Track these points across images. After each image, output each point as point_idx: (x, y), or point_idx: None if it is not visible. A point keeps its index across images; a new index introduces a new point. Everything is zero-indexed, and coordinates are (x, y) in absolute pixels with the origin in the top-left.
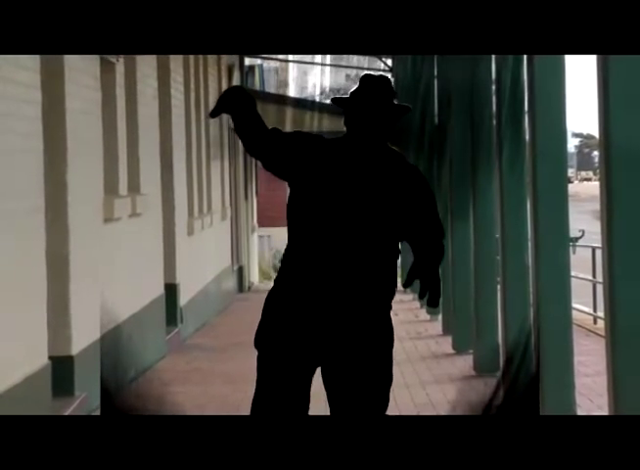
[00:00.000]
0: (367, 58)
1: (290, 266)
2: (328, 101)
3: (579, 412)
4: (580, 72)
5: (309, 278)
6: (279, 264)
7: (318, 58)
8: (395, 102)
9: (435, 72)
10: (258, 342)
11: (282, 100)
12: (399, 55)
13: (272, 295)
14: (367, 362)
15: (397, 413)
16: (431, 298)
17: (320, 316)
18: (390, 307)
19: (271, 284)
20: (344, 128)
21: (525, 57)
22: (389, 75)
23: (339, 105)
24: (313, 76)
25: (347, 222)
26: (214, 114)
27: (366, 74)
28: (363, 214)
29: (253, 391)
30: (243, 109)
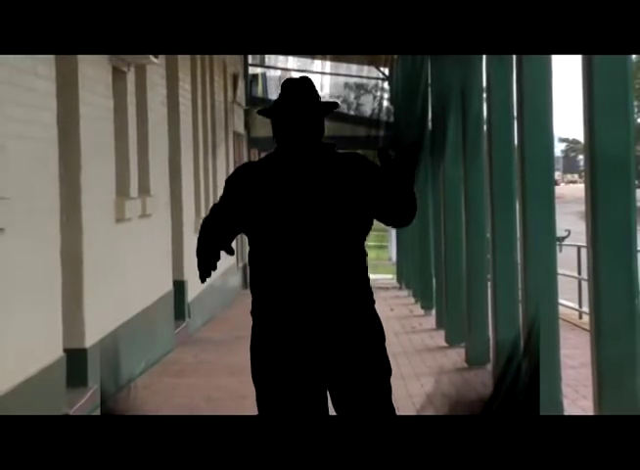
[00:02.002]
0: (365, 67)
1: (264, 291)
2: None
3: (565, 402)
4: (566, 80)
5: (289, 296)
6: None
7: (318, 67)
8: (320, 100)
9: (429, 80)
10: (257, 380)
11: None
12: (398, 55)
13: (255, 328)
14: (363, 360)
15: (393, 403)
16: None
17: (306, 330)
18: (374, 301)
19: None
20: (323, 133)
21: (514, 67)
22: (386, 84)
23: (265, 116)
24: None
25: (307, 230)
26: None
27: (286, 79)
28: (319, 218)
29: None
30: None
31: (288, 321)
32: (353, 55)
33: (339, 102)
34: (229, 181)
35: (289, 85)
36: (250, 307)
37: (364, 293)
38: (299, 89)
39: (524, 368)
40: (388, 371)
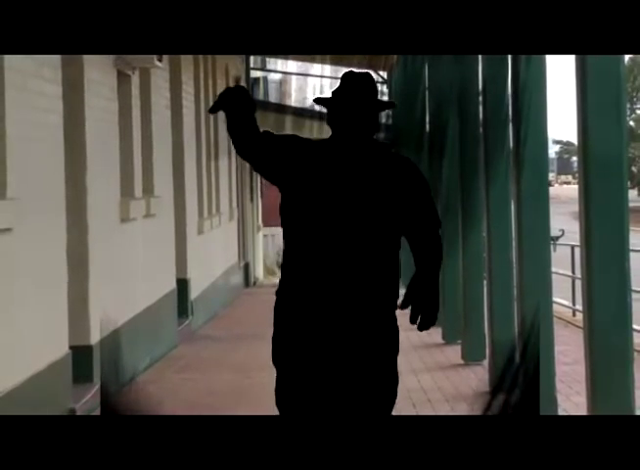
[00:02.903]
0: (364, 70)
1: (291, 274)
2: (325, 110)
3: (559, 398)
4: (560, 83)
5: (313, 284)
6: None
7: (318, 70)
8: (379, 98)
9: (427, 84)
10: (276, 360)
11: (283, 109)
12: (397, 58)
13: (279, 309)
14: (375, 363)
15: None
16: (423, 321)
17: (329, 321)
18: (396, 306)
19: (275, 280)
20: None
21: (509, 71)
22: (385, 87)
23: (322, 104)
24: (313, 88)
25: (344, 223)
26: (214, 110)
27: (347, 72)
28: (359, 213)
29: (258, 378)
30: (241, 110)
31: (312, 307)
32: (352, 56)
33: (396, 102)
34: (290, 138)
35: (351, 78)
36: (251, 305)
37: (392, 293)
38: (361, 83)
39: (523, 369)
40: (395, 382)
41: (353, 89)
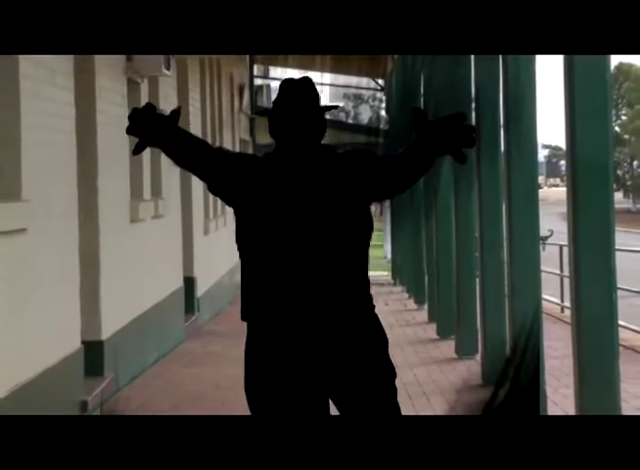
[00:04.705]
0: (363, 78)
1: (256, 296)
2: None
3: (548, 390)
4: (549, 91)
5: (282, 301)
6: None
7: (317, 78)
8: (319, 102)
9: (422, 90)
10: (250, 392)
11: None
12: (393, 67)
13: (250, 341)
14: (366, 366)
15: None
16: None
17: (305, 338)
18: (374, 306)
19: None
20: (274, 141)
21: (501, 79)
22: (382, 94)
23: (263, 115)
24: None
25: (304, 232)
26: (136, 151)
27: (286, 79)
28: (317, 218)
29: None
30: (166, 136)
31: (285, 329)
32: (350, 64)
33: (340, 104)
34: (234, 154)
35: (288, 85)
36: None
37: (364, 298)
38: (299, 89)
39: (523, 369)
40: (393, 374)
41: (291, 96)
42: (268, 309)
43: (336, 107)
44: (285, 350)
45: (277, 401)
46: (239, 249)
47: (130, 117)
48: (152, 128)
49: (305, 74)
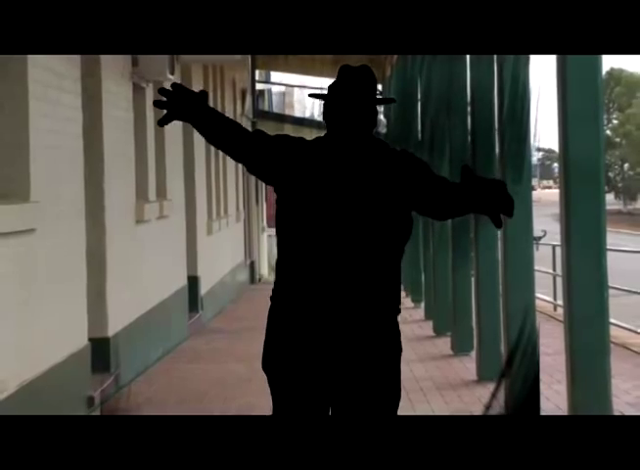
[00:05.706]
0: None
1: (289, 278)
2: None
3: (541, 385)
4: (543, 95)
5: (313, 288)
6: None
7: (318, 83)
8: (378, 93)
9: (419, 95)
10: (267, 366)
11: (286, 119)
12: (391, 71)
13: (273, 314)
14: (378, 370)
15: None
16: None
17: (328, 328)
18: (399, 311)
19: None
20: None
21: (496, 84)
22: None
23: (318, 99)
24: (312, 100)
25: (345, 223)
26: (162, 122)
27: (345, 65)
28: (361, 212)
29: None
30: (197, 111)
31: (311, 315)
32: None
33: (395, 98)
34: (284, 138)
35: (348, 71)
36: (256, 300)
37: (393, 299)
38: (359, 76)
39: (523, 370)
40: (397, 395)
41: (351, 83)
42: (299, 294)
43: (393, 100)
44: (305, 335)
45: (292, 382)
46: (277, 229)
47: (160, 92)
48: (182, 101)
49: (310, 77)
